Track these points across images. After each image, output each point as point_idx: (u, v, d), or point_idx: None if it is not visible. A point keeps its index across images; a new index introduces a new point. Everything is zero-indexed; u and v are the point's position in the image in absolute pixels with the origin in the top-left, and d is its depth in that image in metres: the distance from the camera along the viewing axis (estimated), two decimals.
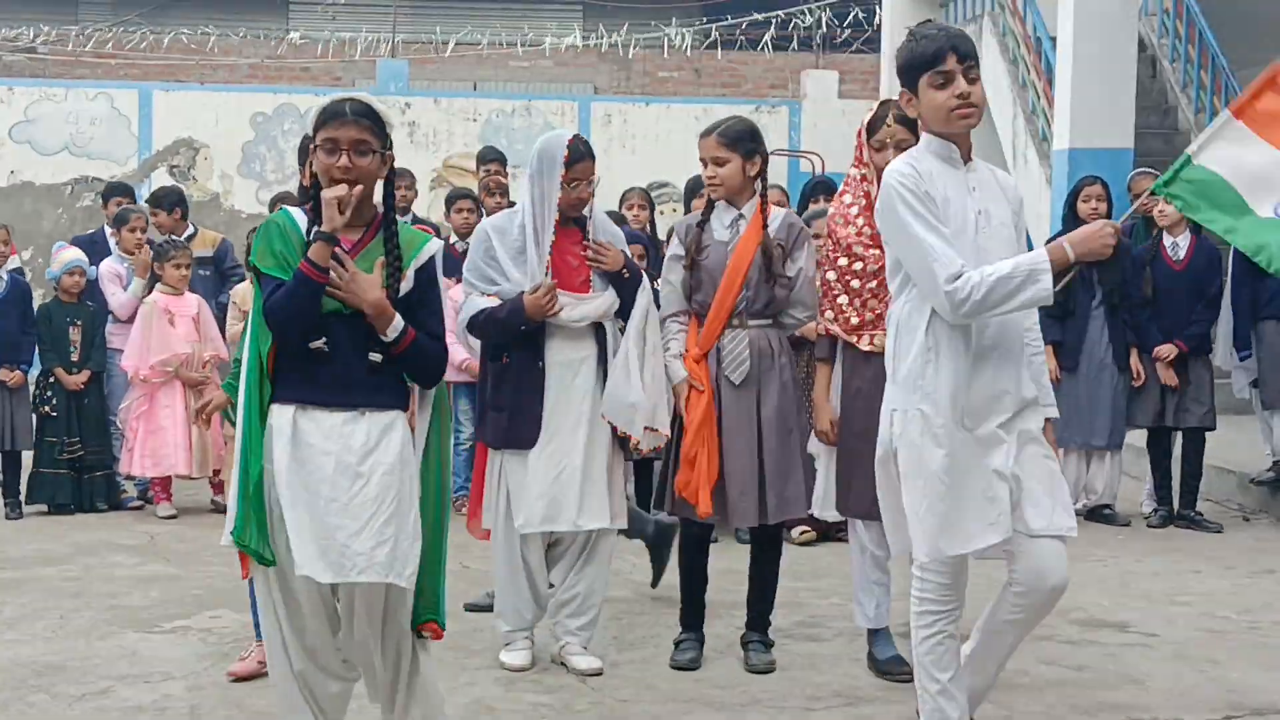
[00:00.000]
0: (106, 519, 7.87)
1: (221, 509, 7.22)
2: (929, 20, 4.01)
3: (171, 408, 7.86)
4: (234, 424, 4.61)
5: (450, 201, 8.69)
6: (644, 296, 4.88)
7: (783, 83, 17.22)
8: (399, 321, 3.59)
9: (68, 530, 7.49)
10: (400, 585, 3.59)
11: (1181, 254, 7.74)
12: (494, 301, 4.84)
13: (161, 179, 13.47)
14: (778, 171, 13.69)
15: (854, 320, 4.83)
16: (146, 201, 9.25)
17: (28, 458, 8.05)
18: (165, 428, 7.81)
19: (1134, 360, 7.66)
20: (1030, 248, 3.78)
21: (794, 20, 17.66)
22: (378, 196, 3.70)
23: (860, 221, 4.84)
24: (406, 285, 3.65)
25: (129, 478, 8.19)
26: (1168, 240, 7.77)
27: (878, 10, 16.68)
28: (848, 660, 5.08)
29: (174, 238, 8.42)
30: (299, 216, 3.66)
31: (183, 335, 7.93)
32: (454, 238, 8.48)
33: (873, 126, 4.84)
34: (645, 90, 17.05)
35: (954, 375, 3.66)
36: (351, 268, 3.56)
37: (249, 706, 4.53)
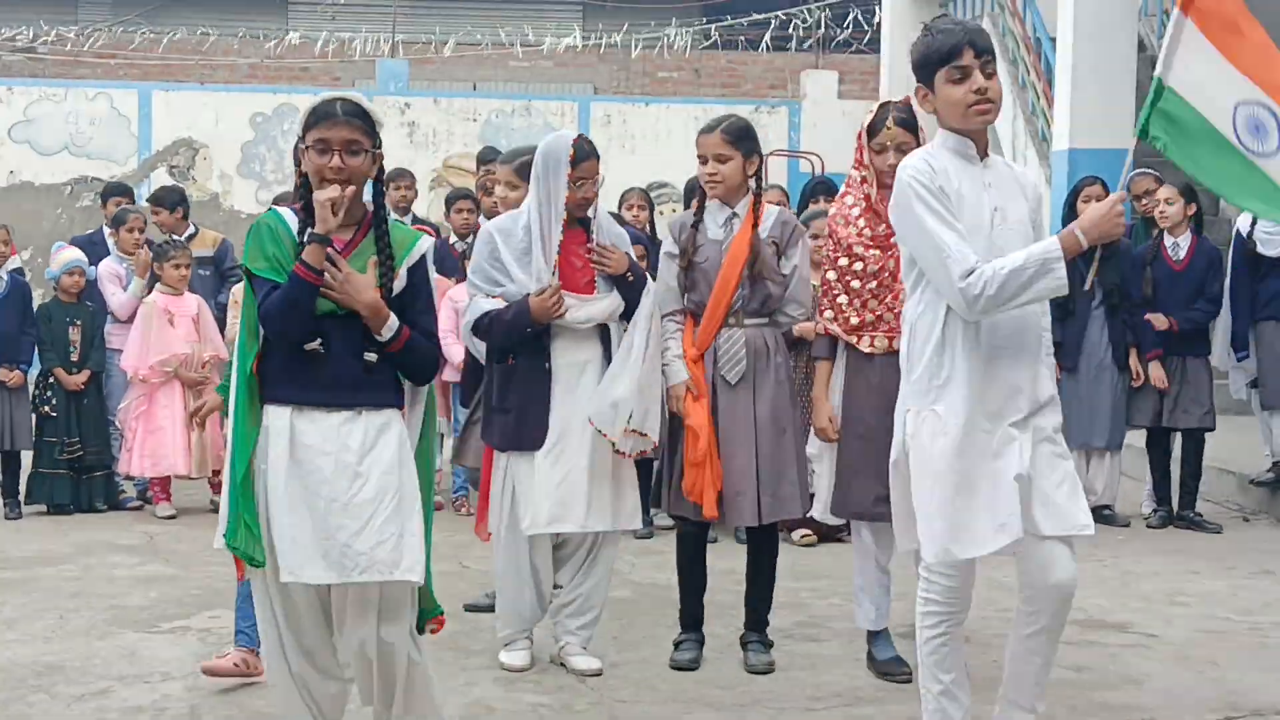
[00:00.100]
0: (106, 519, 7.87)
1: None
2: (944, 14, 3.98)
3: (171, 408, 7.86)
4: None
5: (450, 202, 8.70)
6: (648, 300, 4.86)
7: (782, 83, 17.21)
8: (394, 321, 3.60)
9: (67, 530, 7.49)
10: (411, 581, 3.59)
11: (1182, 254, 7.74)
12: (499, 303, 4.83)
13: (161, 179, 13.46)
14: (777, 172, 13.69)
15: (854, 320, 4.83)
16: (148, 201, 9.25)
17: (27, 458, 8.05)
18: (164, 428, 7.81)
19: (1133, 361, 7.66)
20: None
21: (794, 21, 17.65)
22: (367, 195, 3.69)
23: (861, 223, 4.84)
24: (400, 284, 3.66)
25: (128, 478, 8.20)
26: (1168, 240, 7.77)
27: (877, 11, 16.68)
28: (848, 661, 5.08)
29: (174, 237, 8.42)
30: (289, 217, 3.66)
31: (182, 335, 7.93)
32: (453, 238, 8.49)
33: (872, 129, 4.83)
34: (645, 90, 17.04)
35: (968, 375, 3.62)
36: (345, 269, 3.56)
37: (248, 706, 4.53)
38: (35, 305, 8.32)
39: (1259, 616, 5.83)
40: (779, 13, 17.66)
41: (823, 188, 8.12)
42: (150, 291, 8.05)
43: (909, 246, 3.73)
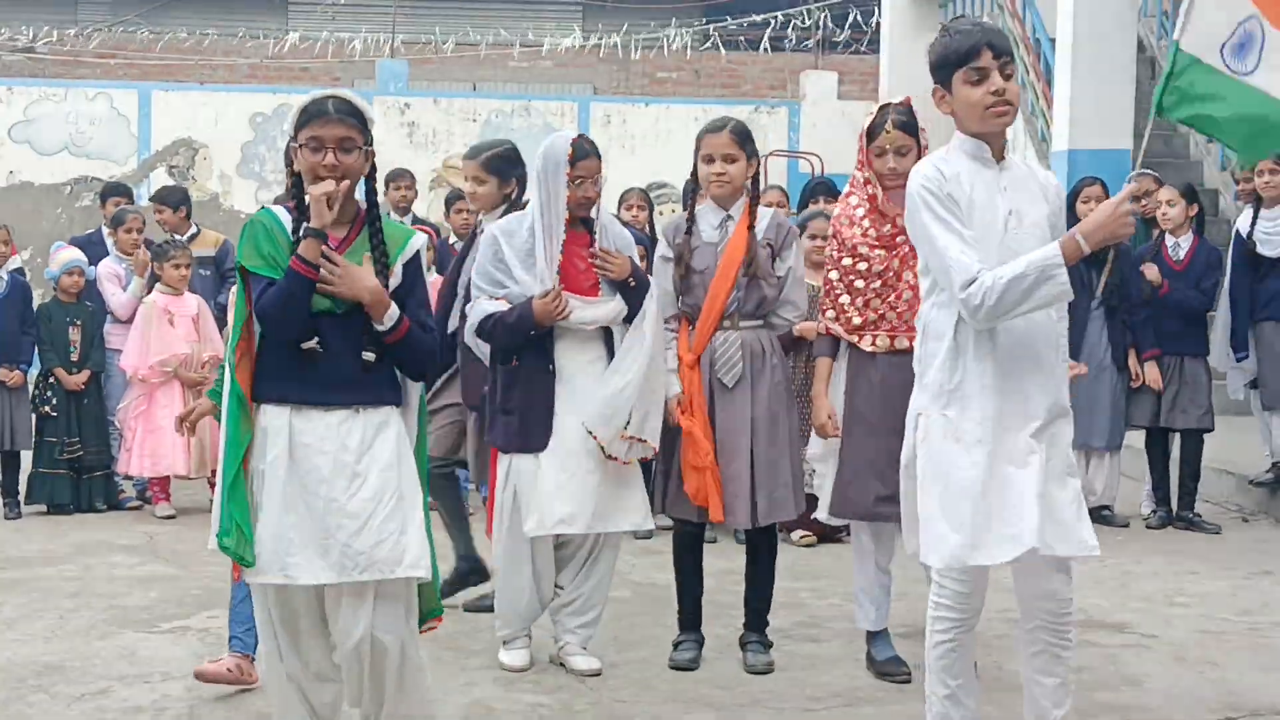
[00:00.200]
0: (105, 519, 7.87)
1: None
2: (962, 15, 3.96)
3: (170, 408, 7.84)
4: None
5: (450, 202, 8.71)
6: (652, 304, 4.84)
7: (782, 83, 17.21)
8: (395, 310, 3.60)
9: (67, 530, 7.49)
10: (414, 577, 3.59)
11: (1182, 254, 7.74)
12: (502, 305, 4.82)
13: (161, 179, 13.46)
14: (777, 172, 13.70)
15: (856, 320, 4.82)
16: (151, 199, 9.25)
17: (26, 458, 8.05)
18: (164, 428, 7.80)
19: (1132, 361, 7.66)
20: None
21: (793, 21, 17.65)
22: (359, 193, 3.69)
23: (866, 223, 4.83)
24: (394, 280, 3.66)
25: (127, 477, 8.20)
26: (1169, 240, 7.78)
27: (876, 11, 16.68)
28: (847, 661, 5.08)
29: (176, 237, 8.42)
30: (282, 215, 3.66)
31: (182, 335, 7.93)
32: (453, 238, 8.49)
33: (872, 133, 4.82)
34: (644, 91, 17.04)
35: (980, 379, 3.56)
36: (342, 262, 3.56)
37: (247, 707, 4.53)
38: (35, 305, 8.32)
39: (1258, 617, 5.84)
40: (779, 13, 17.66)
41: (822, 188, 8.13)
42: (150, 291, 8.05)
43: (922, 253, 3.69)
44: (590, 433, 4.74)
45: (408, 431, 3.72)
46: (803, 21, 17.70)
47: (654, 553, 6.64)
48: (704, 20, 18.52)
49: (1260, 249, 7.79)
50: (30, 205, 13.91)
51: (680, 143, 13.69)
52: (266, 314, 3.55)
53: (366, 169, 3.65)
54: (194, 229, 8.77)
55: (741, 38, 17.90)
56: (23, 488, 8.00)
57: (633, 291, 4.84)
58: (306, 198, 3.58)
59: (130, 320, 8.07)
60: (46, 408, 8.02)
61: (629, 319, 4.84)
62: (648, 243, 7.49)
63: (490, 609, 5.33)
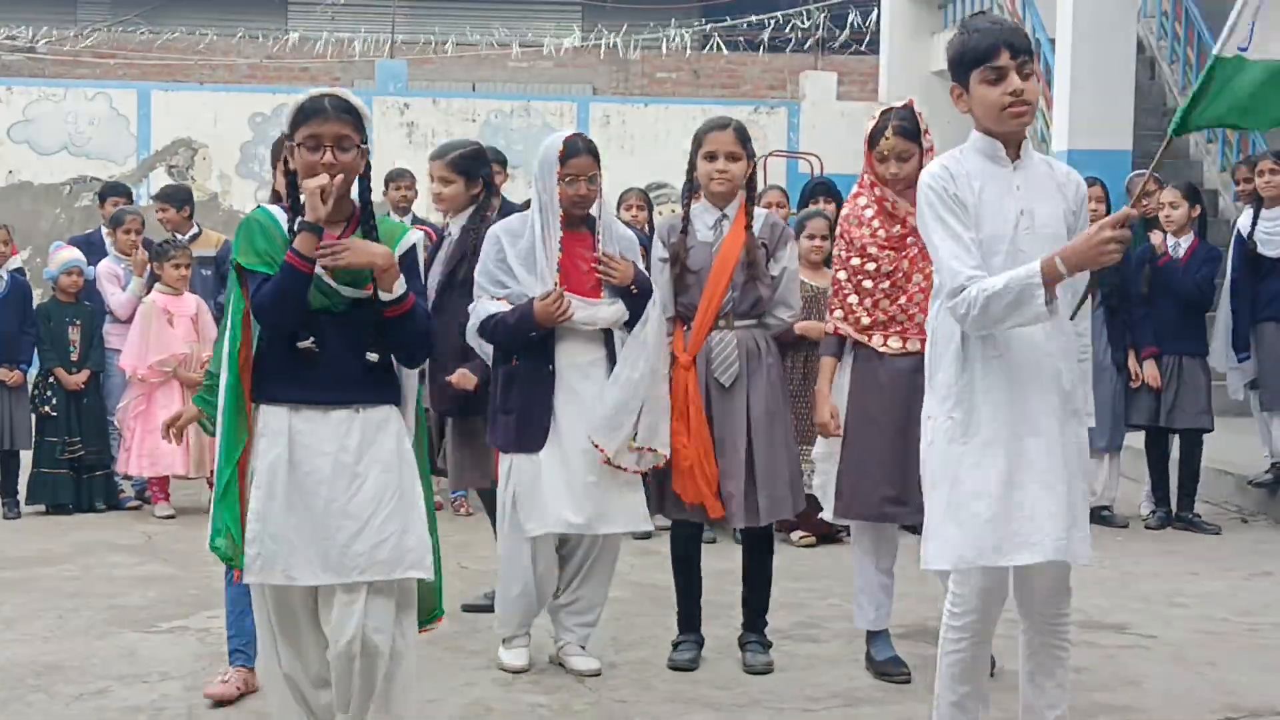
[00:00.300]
0: (105, 519, 7.87)
1: None
2: (982, 11, 3.89)
3: (169, 408, 7.80)
4: (210, 434, 4.61)
5: None
6: (655, 311, 4.82)
7: (781, 84, 17.21)
8: (403, 280, 3.58)
9: (66, 530, 7.49)
10: (415, 577, 3.59)
11: (1181, 254, 7.74)
12: (504, 306, 4.81)
13: (160, 179, 13.45)
14: (777, 172, 13.69)
15: (864, 320, 4.81)
16: (155, 198, 9.24)
17: (25, 457, 8.05)
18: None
19: (1131, 361, 7.66)
20: None
21: (792, 22, 17.65)
22: (354, 191, 3.69)
23: (875, 224, 4.82)
24: None
25: (126, 477, 8.20)
26: (1170, 240, 7.77)
27: (876, 12, 16.68)
28: (846, 661, 5.08)
29: (177, 236, 8.42)
30: (278, 213, 3.66)
31: (181, 335, 7.93)
32: None
33: (873, 138, 4.82)
34: (644, 91, 17.04)
35: (988, 380, 3.51)
36: (339, 241, 3.54)
37: (246, 707, 4.53)
38: (34, 305, 8.31)
39: (1258, 617, 5.84)
40: (778, 14, 17.66)
41: (822, 188, 8.12)
42: (149, 291, 8.05)
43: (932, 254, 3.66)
44: (596, 446, 4.73)
45: (407, 429, 3.71)
46: (802, 22, 17.71)
47: (653, 553, 6.64)
48: (703, 20, 18.52)
49: (1261, 249, 7.79)
50: (29, 205, 13.91)
51: (680, 143, 13.63)
52: (262, 309, 3.54)
53: (363, 167, 3.65)
54: (196, 229, 8.76)
55: (741, 38, 17.90)
56: (22, 488, 8.00)
57: (635, 298, 4.82)
58: (302, 196, 3.57)
59: (129, 320, 8.07)
60: (46, 408, 8.02)
61: (630, 324, 4.83)
62: (647, 243, 7.49)
63: (488, 609, 5.33)
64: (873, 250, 4.79)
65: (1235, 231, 8.10)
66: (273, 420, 3.59)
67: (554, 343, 4.80)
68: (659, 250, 5.00)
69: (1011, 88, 3.51)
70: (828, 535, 7.06)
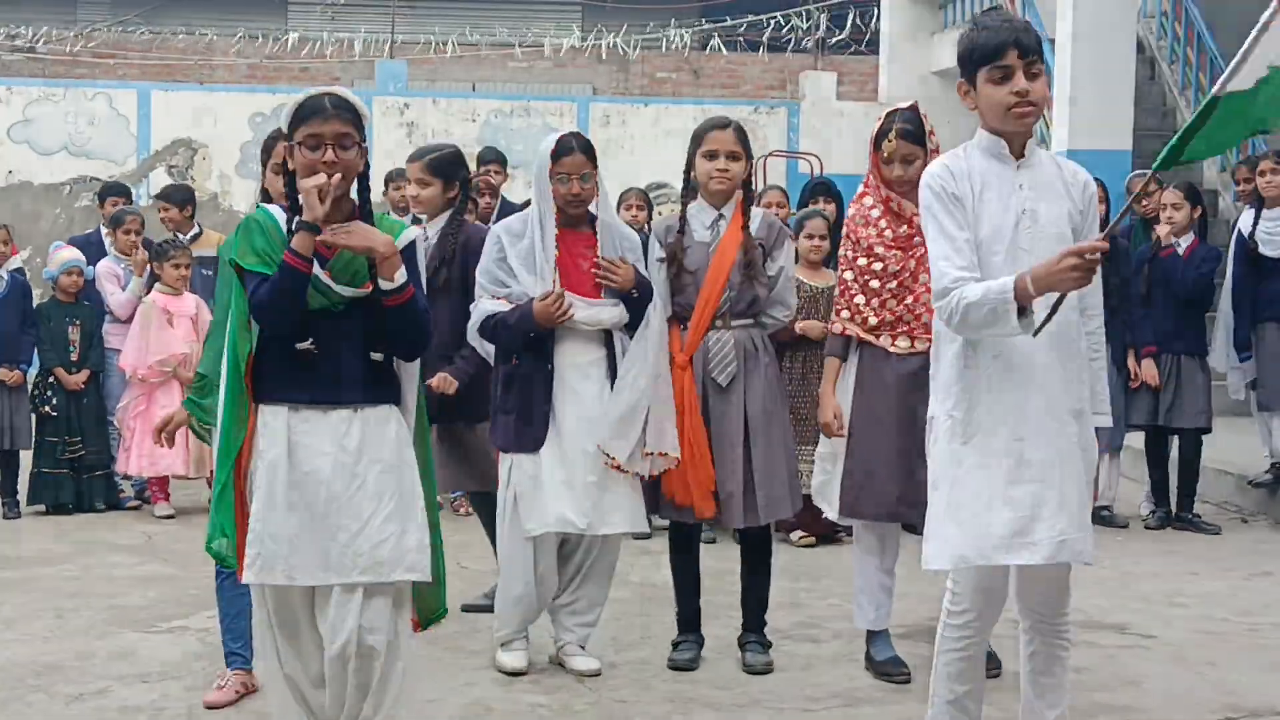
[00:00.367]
0: (105, 519, 7.87)
1: None
2: (995, 7, 3.84)
3: (169, 408, 7.79)
4: (200, 437, 4.60)
5: None
6: (656, 316, 4.82)
7: (781, 84, 17.22)
8: (404, 270, 3.57)
9: (66, 530, 7.49)
10: (413, 579, 3.59)
11: (1181, 252, 7.74)
12: (504, 305, 4.81)
13: (160, 179, 13.45)
14: (776, 172, 13.69)
15: (872, 320, 4.81)
16: (156, 197, 9.24)
17: (25, 457, 8.05)
18: None
19: (1130, 361, 7.67)
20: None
21: (792, 22, 17.65)
22: (353, 190, 3.68)
23: (883, 224, 4.81)
24: None
25: (126, 477, 8.20)
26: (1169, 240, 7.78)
27: (875, 12, 16.69)
28: (846, 661, 5.08)
29: (178, 236, 8.42)
30: (278, 213, 3.65)
31: (181, 335, 7.93)
32: None
33: (878, 140, 4.82)
34: (644, 91, 17.05)
35: (989, 379, 3.49)
36: (344, 224, 3.53)
37: (245, 707, 4.53)
38: (34, 305, 8.32)
39: (1257, 617, 5.84)
40: (778, 14, 17.66)
41: (822, 188, 8.11)
42: (149, 291, 8.05)
43: None
44: (606, 455, 4.72)
45: (408, 428, 3.71)
46: (802, 22, 17.71)
47: (653, 553, 6.64)
48: (703, 21, 18.52)
49: (1262, 249, 7.79)
50: (29, 205, 13.91)
51: (680, 143, 13.60)
52: (261, 309, 3.53)
53: (361, 166, 3.65)
54: (197, 229, 8.76)
55: (741, 38, 17.90)
56: (22, 487, 8.00)
57: (635, 301, 4.81)
58: (301, 197, 3.57)
59: (129, 320, 8.07)
60: (46, 408, 8.02)
61: (630, 326, 4.82)
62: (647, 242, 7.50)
63: (487, 609, 5.33)
64: (879, 250, 4.79)
65: (1236, 231, 8.10)
66: (272, 420, 3.59)
67: (554, 343, 4.80)
68: (656, 250, 4.99)
69: (1017, 87, 3.48)
70: (827, 535, 7.06)
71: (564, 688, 4.78)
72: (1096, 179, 8.08)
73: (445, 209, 5.44)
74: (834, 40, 17.80)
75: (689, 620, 5.10)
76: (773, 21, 17.62)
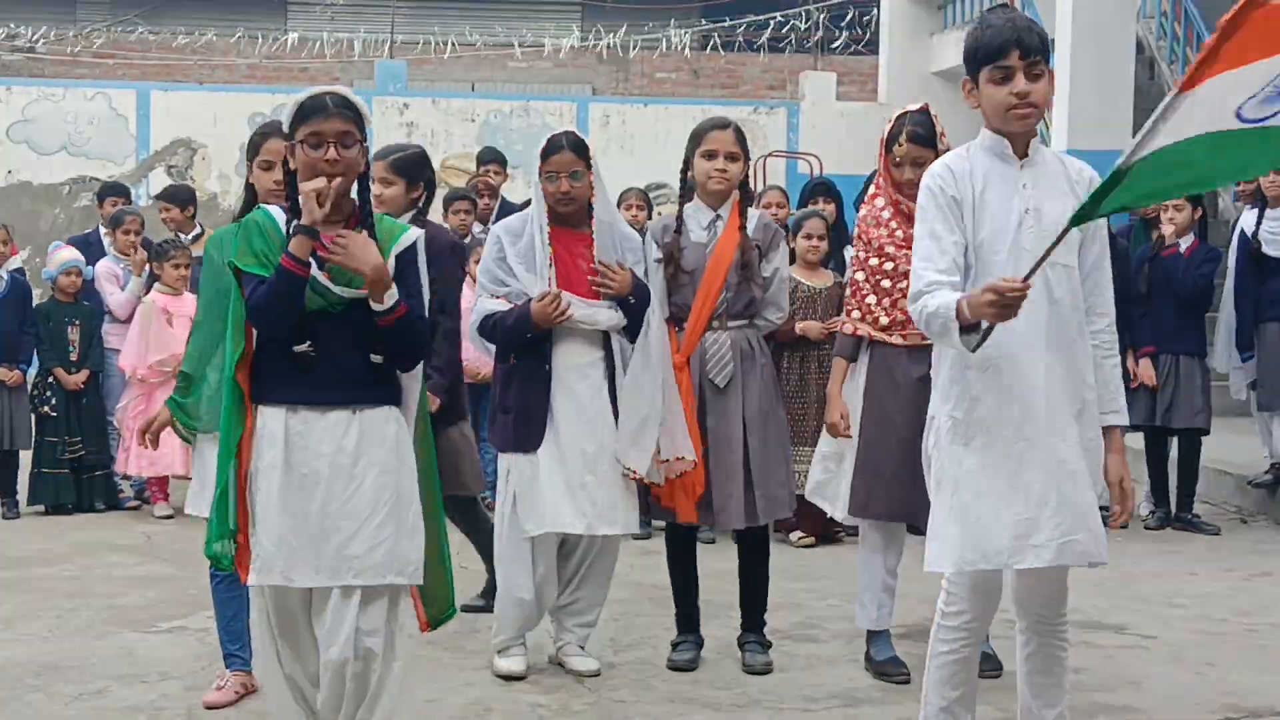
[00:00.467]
0: (104, 519, 7.88)
1: None
2: (1004, 4, 3.79)
3: None
4: (184, 438, 4.59)
5: (447, 203, 8.70)
6: (656, 322, 4.80)
7: (781, 84, 17.22)
8: (395, 291, 3.56)
9: (65, 530, 7.49)
10: (404, 584, 3.59)
11: (1183, 253, 7.74)
12: (502, 305, 4.80)
13: (159, 179, 13.46)
14: (776, 172, 13.69)
15: (883, 320, 4.80)
16: (158, 197, 9.23)
17: (24, 457, 8.05)
18: None
19: (1129, 361, 7.67)
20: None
21: (792, 22, 17.66)
22: (354, 190, 3.68)
23: (894, 224, 4.81)
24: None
25: (125, 477, 8.20)
26: (1168, 240, 7.78)
27: (875, 12, 16.69)
28: (845, 662, 5.08)
29: (179, 235, 8.42)
30: (278, 214, 3.64)
31: (180, 335, 7.87)
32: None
33: (888, 143, 4.82)
34: (643, 91, 17.05)
35: (987, 383, 3.47)
36: (344, 234, 3.51)
37: (245, 707, 4.53)
38: (34, 305, 8.32)
39: (1257, 618, 5.84)
40: (777, 14, 17.67)
41: (822, 189, 8.12)
42: (148, 291, 8.05)
43: None
44: (627, 469, 4.73)
45: (409, 430, 3.70)
46: (802, 22, 17.71)
47: (652, 553, 6.62)
48: (703, 21, 18.53)
49: (1265, 249, 7.79)
50: (28, 205, 13.91)
51: (679, 143, 13.60)
52: (258, 312, 3.52)
53: (363, 165, 3.64)
54: (198, 229, 8.76)
55: (740, 38, 17.91)
56: (21, 487, 8.00)
57: (630, 308, 4.78)
58: (301, 199, 3.56)
59: (128, 320, 8.07)
60: (46, 408, 8.03)
61: (628, 330, 4.80)
62: None
63: (482, 609, 5.33)
64: (890, 250, 4.79)
65: (1239, 231, 8.09)
66: (270, 421, 3.58)
67: (551, 343, 4.79)
68: (653, 251, 4.99)
69: (1017, 88, 3.47)
70: (827, 535, 7.06)
71: (563, 688, 4.78)
72: None
73: (408, 209, 5.42)
74: (834, 40, 17.80)
75: (688, 620, 5.10)
76: (772, 22, 17.62)
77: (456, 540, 6.72)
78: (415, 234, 3.72)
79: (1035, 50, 3.49)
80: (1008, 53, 3.46)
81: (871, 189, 4.99)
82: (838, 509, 5.02)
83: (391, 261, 3.63)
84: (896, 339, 4.77)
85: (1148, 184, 3.28)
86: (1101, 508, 3.31)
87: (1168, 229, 7.71)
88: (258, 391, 3.61)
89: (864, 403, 4.84)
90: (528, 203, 5.16)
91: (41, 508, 7.97)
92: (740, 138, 4.93)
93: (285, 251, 3.49)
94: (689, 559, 5.10)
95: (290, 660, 3.71)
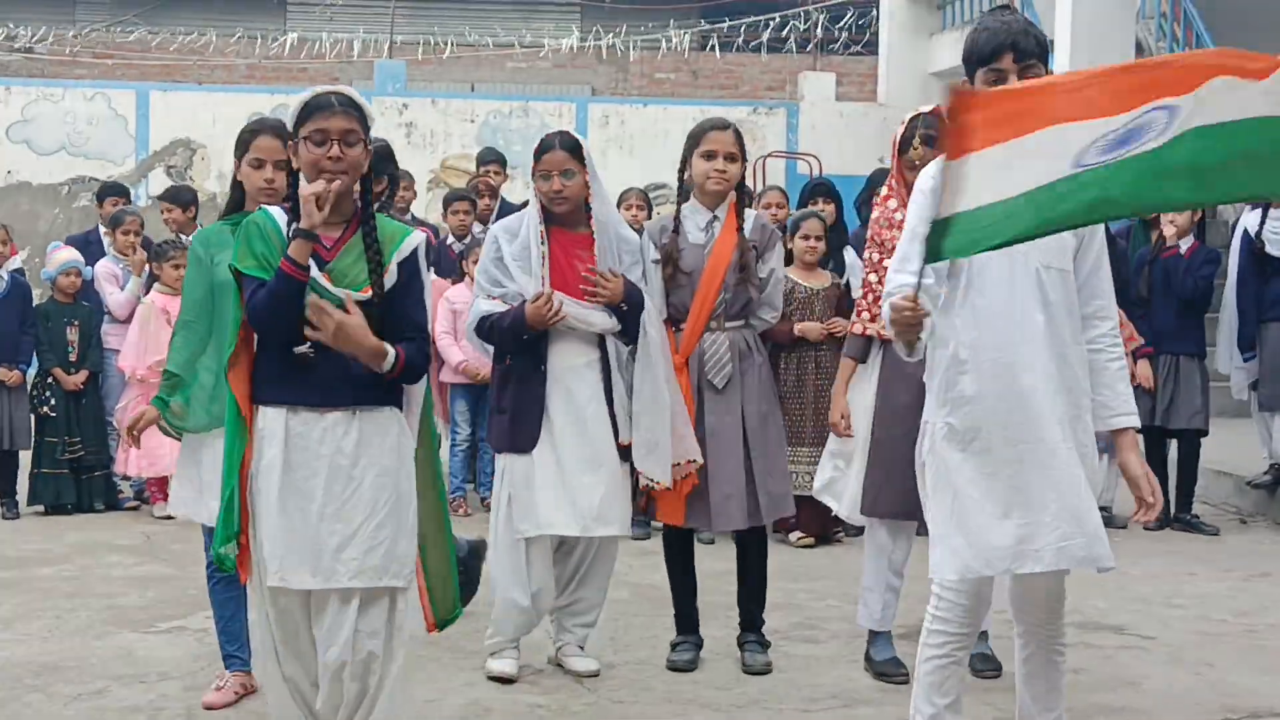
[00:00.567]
0: (103, 519, 7.88)
1: None
2: (1005, 5, 3.76)
3: None
4: (170, 436, 4.59)
5: (447, 203, 8.72)
6: (654, 327, 4.79)
7: (780, 84, 17.21)
8: (391, 354, 3.54)
9: (64, 530, 7.49)
10: (399, 586, 3.59)
11: (1182, 253, 7.74)
12: (499, 305, 4.80)
13: (158, 179, 13.47)
14: (776, 173, 13.69)
15: None
16: (160, 197, 9.23)
17: (24, 457, 8.05)
18: None
19: (1128, 362, 7.66)
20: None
21: (791, 22, 17.65)
22: (356, 191, 3.67)
23: None
24: (390, 279, 3.60)
25: (125, 477, 8.20)
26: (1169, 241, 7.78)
27: (874, 12, 16.68)
28: (845, 662, 5.08)
29: (180, 236, 8.42)
30: (278, 215, 3.63)
31: None
32: (450, 239, 8.50)
33: (903, 146, 4.82)
34: (643, 91, 17.05)
35: (980, 386, 3.46)
36: (336, 315, 3.48)
37: (244, 707, 4.53)
38: (33, 305, 8.32)
39: (1256, 619, 5.84)
40: (776, 14, 17.67)
41: (821, 189, 8.11)
42: (148, 291, 8.05)
43: None
44: (652, 483, 4.75)
45: (411, 432, 3.70)
46: (801, 23, 17.71)
47: (651, 554, 6.63)
48: (702, 21, 18.52)
49: (1269, 249, 7.79)
50: (28, 205, 13.91)
51: (679, 143, 13.59)
52: (257, 315, 3.52)
53: (365, 166, 3.63)
54: (200, 229, 8.75)
55: (739, 39, 17.90)
56: (21, 488, 8.00)
57: (625, 313, 4.76)
58: (300, 202, 3.55)
59: (128, 320, 8.07)
60: (46, 408, 8.03)
61: (624, 334, 4.79)
62: None
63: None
64: None
65: (1242, 231, 8.08)
66: (270, 422, 3.57)
67: (547, 344, 4.78)
68: (650, 251, 4.98)
69: None
70: (826, 535, 7.06)
71: (562, 688, 4.78)
72: None
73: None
74: (833, 41, 17.80)
75: (687, 621, 5.10)
76: (771, 22, 17.62)
77: None
78: (417, 239, 3.70)
79: (1030, 54, 3.48)
80: (1000, 56, 3.46)
81: (884, 190, 4.98)
82: (844, 507, 5.03)
83: (394, 268, 3.62)
84: None
85: (973, 233, 3.16)
86: (1101, 509, 3.30)
87: (1168, 230, 7.72)
88: (259, 393, 3.60)
89: (876, 402, 4.83)
90: (527, 203, 5.16)
91: (41, 508, 7.97)
92: (739, 139, 4.94)
93: (285, 255, 3.49)
94: (688, 559, 5.10)
95: (290, 661, 3.70)
